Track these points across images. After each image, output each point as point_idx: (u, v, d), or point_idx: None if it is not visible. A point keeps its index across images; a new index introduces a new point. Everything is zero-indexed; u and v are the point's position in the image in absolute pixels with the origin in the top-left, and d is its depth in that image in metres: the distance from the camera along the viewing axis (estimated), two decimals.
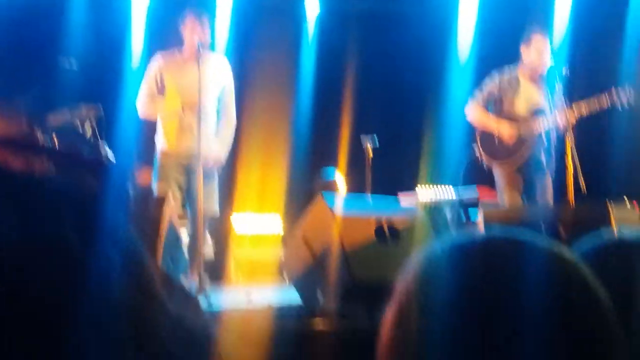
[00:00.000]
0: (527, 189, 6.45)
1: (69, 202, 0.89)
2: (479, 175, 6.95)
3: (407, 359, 0.93)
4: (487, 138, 6.54)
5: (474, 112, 6.61)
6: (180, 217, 5.92)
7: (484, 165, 6.61)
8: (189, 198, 5.96)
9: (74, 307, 0.81)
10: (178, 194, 5.90)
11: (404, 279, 0.97)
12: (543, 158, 6.42)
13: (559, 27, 7.70)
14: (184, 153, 5.97)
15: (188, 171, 5.97)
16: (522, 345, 0.86)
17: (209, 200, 5.93)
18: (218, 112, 6.18)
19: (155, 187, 5.95)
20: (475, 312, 0.89)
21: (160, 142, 6.11)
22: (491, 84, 6.56)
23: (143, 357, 0.85)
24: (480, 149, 6.57)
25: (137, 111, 6.35)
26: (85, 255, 0.84)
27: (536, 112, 6.42)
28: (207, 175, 5.92)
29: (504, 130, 6.43)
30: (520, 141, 6.41)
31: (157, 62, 6.10)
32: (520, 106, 6.47)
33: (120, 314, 0.84)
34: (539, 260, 0.92)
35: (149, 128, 6.41)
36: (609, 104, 6.22)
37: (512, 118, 6.46)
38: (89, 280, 0.83)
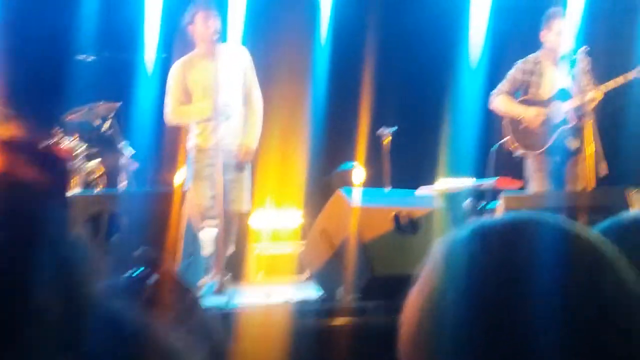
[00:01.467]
0: (556, 174, 6.43)
1: None
2: (506, 167, 6.91)
3: (431, 346, 0.93)
4: (515, 125, 6.52)
5: (499, 101, 6.59)
6: (210, 216, 5.90)
7: (513, 155, 6.58)
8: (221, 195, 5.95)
9: None
10: (210, 192, 5.88)
11: (428, 264, 0.98)
12: (572, 141, 6.39)
13: (576, 7, 7.61)
14: (216, 150, 5.95)
15: (222, 168, 5.96)
16: (549, 326, 0.86)
17: (240, 195, 5.96)
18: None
19: (189, 185, 5.93)
20: (501, 293, 0.89)
21: (193, 140, 6.10)
22: (515, 71, 6.58)
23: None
24: (510, 137, 6.55)
25: (155, 109, 6.36)
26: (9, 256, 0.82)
27: (562, 94, 6.39)
28: (239, 169, 5.94)
29: (530, 114, 6.43)
30: (548, 125, 6.40)
31: (176, 70, 6.06)
32: (546, 89, 6.48)
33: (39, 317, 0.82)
34: (561, 239, 0.92)
35: (171, 128, 6.43)
36: (633, 80, 6.22)
37: (539, 102, 6.46)
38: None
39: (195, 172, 6.01)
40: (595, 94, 6.20)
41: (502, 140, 6.71)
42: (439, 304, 0.93)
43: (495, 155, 6.92)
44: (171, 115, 6.11)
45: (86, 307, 0.86)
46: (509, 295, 0.88)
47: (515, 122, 6.52)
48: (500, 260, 0.91)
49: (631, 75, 6.24)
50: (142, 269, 1.54)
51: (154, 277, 1.49)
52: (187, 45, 6.14)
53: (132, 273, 1.53)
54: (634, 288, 0.90)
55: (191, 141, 6.13)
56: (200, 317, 1.52)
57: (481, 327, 0.89)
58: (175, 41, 6.62)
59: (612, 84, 6.26)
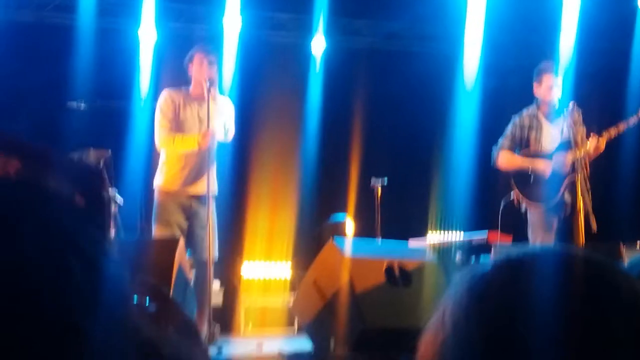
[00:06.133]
0: (561, 228, 6.37)
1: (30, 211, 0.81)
2: (513, 222, 6.86)
3: None
4: (524, 179, 6.48)
5: (504, 157, 6.54)
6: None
7: (520, 209, 6.54)
8: (191, 242, 5.81)
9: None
10: (180, 238, 5.75)
11: (451, 297, 0.95)
12: (574, 195, 6.36)
13: (564, 60, 7.73)
14: (187, 193, 5.86)
15: (190, 213, 5.88)
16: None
17: (211, 243, 5.82)
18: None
19: (155, 229, 5.82)
20: (535, 326, 0.86)
21: (160, 180, 5.94)
22: (512, 127, 6.56)
23: None
24: (517, 191, 6.49)
25: (144, 155, 6.29)
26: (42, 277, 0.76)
27: (563, 146, 6.40)
28: (205, 215, 5.83)
29: (539, 166, 6.40)
30: (555, 177, 6.37)
31: (165, 99, 6.02)
32: (546, 143, 6.46)
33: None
34: (592, 270, 0.91)
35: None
36: (628, 129, 6.27)
37: (542, 154, 6.45)
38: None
39: (162, 217, 5.87)
40: (598, 143, 6.19)
41: (509, 196, 6.62)
42: (458, 341, 0.91)
43: (501, 211, 6.85)
44: (165, 141, 5.97)
45: (128, 331, 0.82)
46: (527, 330, 0.86)
47: (523, 176, 6.46)
48: (519, 296, 0.89)
49: (632, 120, 6.24)
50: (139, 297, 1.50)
51: (153, 306, 1.45)
52: (181, 81, 6.11)
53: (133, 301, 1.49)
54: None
55: (157, 181, 5.99)
56: (202, 347, 1.48)
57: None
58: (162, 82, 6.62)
59: (613, 132, 6.25)
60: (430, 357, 0.94)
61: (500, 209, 6.73)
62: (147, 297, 1.43)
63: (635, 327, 0.87)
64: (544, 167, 6.38)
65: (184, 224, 5.82)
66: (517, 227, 6.72)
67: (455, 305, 0.93)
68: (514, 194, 6.49)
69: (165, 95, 5.99)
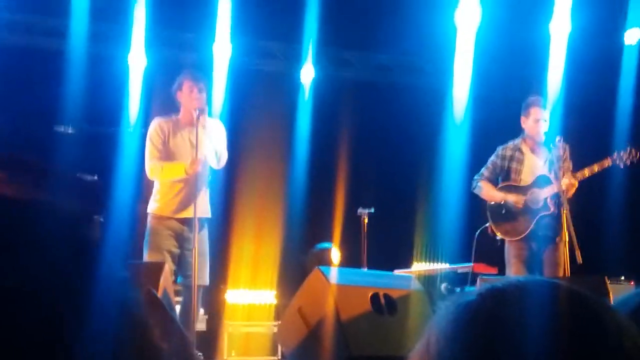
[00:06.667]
0: (533, 261, 6.42)
1: (66, 235, 0.81)
2: (487, 252, 6.92)
3: None
4: (496, 211, 6.56)
5: (481, 187, 6.65)
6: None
7: (494, 240, 6.59)
8: (181, 267, 5.85)
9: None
10: (171, 264, 5.77)
11: (435, 325, 0.94)
12: (551, 227, 6.41)
13: (552, 93, 7.79)
14: (178, 219, 5.87)
15: (181, 238, 5.87)
16: None
17: (201, 269, 5.83)
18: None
19: (146, 255, 5.82)
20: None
21: (153, 206, 5.98)
22: (495, 157, 6.65)
23: None
24: (491, 222, 6.58)
25: (132, 181, 6.28)
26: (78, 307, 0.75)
27: (541, 181, 6.45)
28: (199, 242, 5.83)
29: (511, 200, 6.48)
30: (528, 211, 6.43)
31: (160, 128, 6.03)
32: (527, 175, 6.53)
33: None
34: (577, 302, 0.92)
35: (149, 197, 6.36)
36: (610, 166, 6.33)
37: (519, 188, 6.51)
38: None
39: (153, 243, 5.88)
40: (571, 181, 6.25)
41: (484, 226, 6.72)
42: None
43: (476, 241, 6.93)
44: (153, 170, 5.98)
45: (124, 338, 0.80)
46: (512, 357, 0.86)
47: (496, 208, 6.56)
48: (504, 324, 0.88)
49: (606, 162, 6.33)
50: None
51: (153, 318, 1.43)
52: (171, 108, 6.12)
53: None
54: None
55: (150, 207, 6.01)
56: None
57: None
58: (152, 110, 6.62)
59: (587, 172, 6.32)
60: None
61: (475, 237, 6.80)
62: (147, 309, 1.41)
63: None
64: (517, 200, 6.45)
65: (175, 249, 5.82)
66: (491, 256, 6.79)
67: (439, 334, 0.92)
68: (489, 225, 6.58)
69: (154, 124, 6.02)
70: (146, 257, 5.81)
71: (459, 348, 0.88)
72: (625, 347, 0.87)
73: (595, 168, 6.37)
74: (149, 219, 5.96)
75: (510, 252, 6.50)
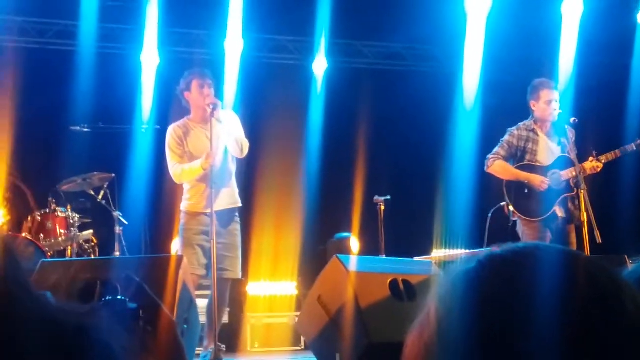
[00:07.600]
0: (555, 242, 6.36)
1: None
2: (501, 232, 6.89)
3: None
4: (518, 190, 6.45)
5: (500, 166, 6.51)
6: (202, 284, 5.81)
7: (511, 223, 6.53)
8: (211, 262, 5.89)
9: None
10: (203, 258, 5.83)
11: (435, 295, 0.95)
12: (569, 209, 6.38)
13: (564, 77, 7.76)
14: (208, 214, 5.88)
15: (211, 233, 5.91)
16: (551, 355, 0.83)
17: (233, 263, 5.89)
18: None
19: (181, 250, 5.89)
20: (503, 324, 0.86)
21: (185, 204, 6.06)
22: (509, 137, 6.54)
23: None
24: (509, 202, 6.47)
25: (147, 178, 6.32)
26: None
27: (562, 161, 6.41)
28: (231, 234, 5.90)
29: (536, 180, 6.38)
30: (550, 191, 6.37)
31: (175, 133, 6.07)
32: (542, 157, 6.46)
33: None
34: (579, 265, 0.91)
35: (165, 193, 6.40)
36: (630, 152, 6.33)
37: (539, 168, 6.44)
38: None
39: (186, 239, 5.97)
40: (595, 164, 6.23)
41: (498, 205, 6.66)
42: (443, 337, 0.90)
43: (490, 221, 6.90)
44: (176, 175, 6.04)
45: None
46: (510, 325, 0.86)
47: (519, 187, 6.44)
48: (501, 290, 0.88)
49: (630, 148, 6.31)
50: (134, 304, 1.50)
51: (150, 328, 1.46)
52: (183, 111, 6.16)
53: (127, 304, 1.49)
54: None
55: (182, 205, 6.10)
56: None
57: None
58: (171, 109, 6.65)
59: (611, 156, 6.29)
60: (415, 355, 0.94)
61: (488, 218, 6.74)
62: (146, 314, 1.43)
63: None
64: (540, 182, 6.37)
65: (207, 244, 5.86)
66: (504, 237, 6.72)
67: (439, 302, 0.92)
68: (505, 205, 6.50)
69: (169, 131, 6.08)
70: (181, 252, 5.86)
71: (457, 316, 0.89)
72: None
73: (619, 153, 6.35)
74: (181, 216, 6.04)
75: (527, 234, 6.41)
